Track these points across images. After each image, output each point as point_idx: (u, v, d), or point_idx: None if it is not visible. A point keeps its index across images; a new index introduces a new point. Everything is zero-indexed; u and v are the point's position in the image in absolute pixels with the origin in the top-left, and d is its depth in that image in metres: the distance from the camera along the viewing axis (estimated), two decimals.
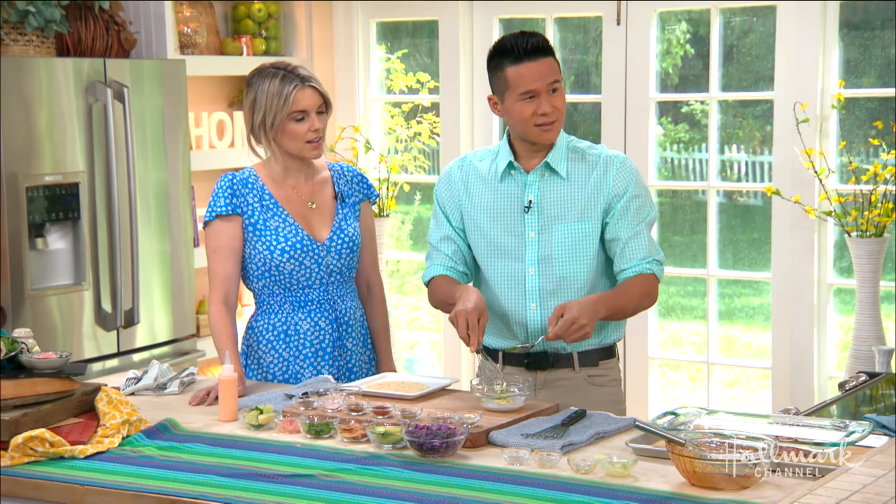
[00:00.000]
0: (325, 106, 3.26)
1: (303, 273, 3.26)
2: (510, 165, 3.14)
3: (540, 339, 3.02)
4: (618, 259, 3.11)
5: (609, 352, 3.20)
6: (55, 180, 4.24)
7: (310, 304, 3.28)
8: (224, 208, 3.23)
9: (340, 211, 3.34)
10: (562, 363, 3.14)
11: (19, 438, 2.59)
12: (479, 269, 3.22)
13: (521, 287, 3.12)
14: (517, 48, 3.02)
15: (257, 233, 3.24)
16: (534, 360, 3.14)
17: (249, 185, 3.27)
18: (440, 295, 3.18)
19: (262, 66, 3.28)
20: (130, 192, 4.44)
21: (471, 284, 3.20)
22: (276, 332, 3.28)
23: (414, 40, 5.71)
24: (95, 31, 4.60)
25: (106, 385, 2.86)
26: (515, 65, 3.02)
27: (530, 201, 3.11)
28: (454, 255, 3.22)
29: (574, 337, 2.91)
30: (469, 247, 3.22)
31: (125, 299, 4.44)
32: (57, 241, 4.32)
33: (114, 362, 4.45)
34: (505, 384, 2.90)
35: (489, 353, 3.16)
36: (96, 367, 4.33)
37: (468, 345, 2.96)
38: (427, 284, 3.27)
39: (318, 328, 3.28)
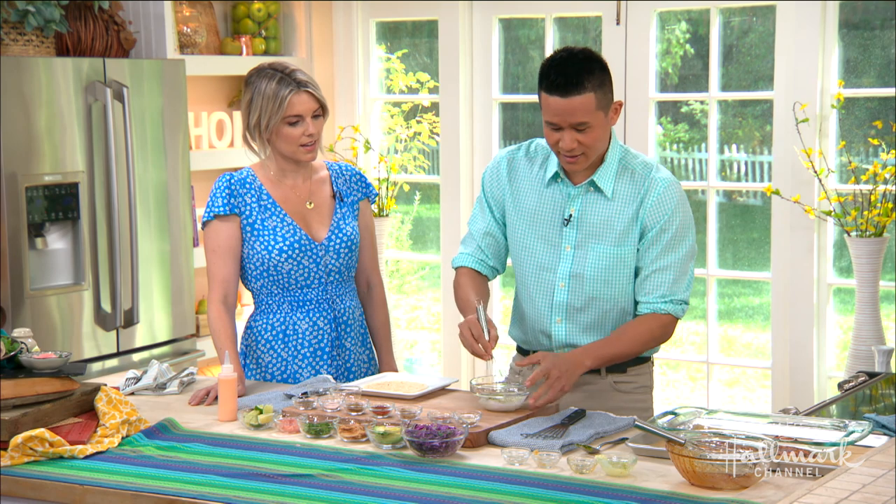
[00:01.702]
0: (321, 110, 3.25)
1: (301, 273, 3.26)
2: (556, 175, 3.04)
3: (525, 394, 2.82)
4: (637, 289, 3.01)
5: (639, 358, 3.10)
6: (55, 180, 4.24)
7: (308, 303, 3.28)
8: (222, 208, 3.23)
9: (339, 210, 3.34)
10: None
11: (19, 438, 2.59)
12: (514, 265, 3.16)
13: (550, 299, 3.06)
14: (549, 78, 2.88)
15: (255, 233, 3.24)
16: None
17: (247, 186, 3.27)
18: (459, 299, 3.13)
19: (260, 66, 3.27)
20: (130, 192, 4.44)
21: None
22: (274, 332, 3.28)
23: (413, 40, 5.71)
24: (95, 30, 4.60)
25: (105, 385, 2.86)
26: (545, 93, 2.89)
27: (571, 215, 3.03)
28: (487, 249, 3.15)
29: (551, 394, 2.79)
30: (506, 241, 3.16)
31: (125, 299, 4.44)
32: (56, 241, 4.32)
33: (113, 362, 4.45)
34: (504, 384, 2.90)
35: (521, 353, 3.16)
36: (96, 366, 4.33)
37: (477, 354, 2.89)
38: (455, 269, 3.20)
39: (316, 328, 3.28)
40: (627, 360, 3.07)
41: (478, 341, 2.88)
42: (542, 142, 3.11)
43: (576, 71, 2.87)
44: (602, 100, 2.90)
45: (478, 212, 3.18)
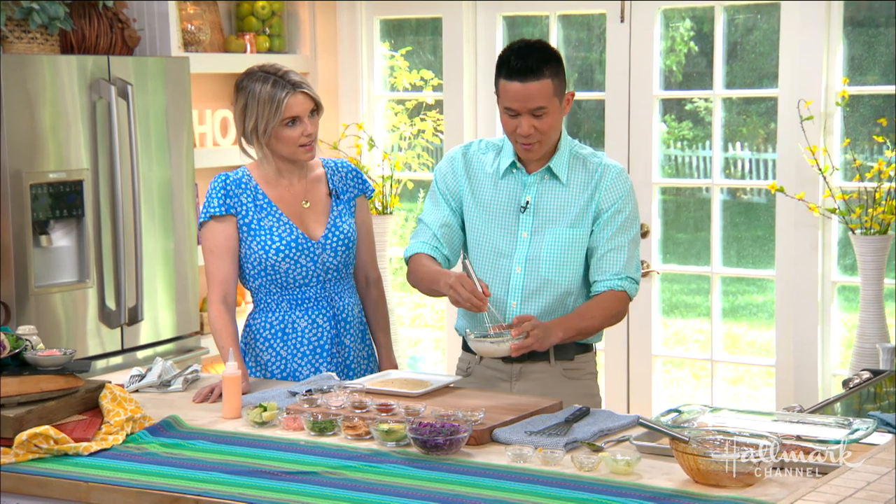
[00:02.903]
0: (316, 109, 3.25)
1: (299, 272, 3.26)
2: (513, 164, 3.15)
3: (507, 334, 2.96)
4: (593, 269, 3.15)
5: (586, 346, 3.24)
6: (59, 178, 4.25)
7: (307, 301, 3.28)
8: (218, 209, 3.24)
9: (335, 208, 3.34)
10: (538, 356, 3.15)
11: (24, 435, 2.59)
12: (470, 256, 3.23)
13: (506, 283, 3.15)
14: (509, 64, 3.02)
15: (252, 233, 3.25)
16: None
17: (243, 186, 3.27)
18: (421, 273, 3.17)
19: (251, 70, 3.27)
20: (134, 190, 4.44)
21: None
22: (273, 331, 3.29)
23: (417, 38, 5.71)
24: (99, 28, 4.60)
25: (110, 382, 2.86)
26: (505, 80, 3.03)
27: (527, 202, 3.13)
28: (443, 238, 3.22)
29: (526, 343, 2.93)
30: (461, 232, 3.24)
31: (129, 296, 4.44)
32: (61, 239, 4.32)
33: (118, 359, 4.45)
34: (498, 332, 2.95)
35: (466, 349, 3.22)
36: (100, 364, 4.33)
37: (473, 308, 2.94)
38: (408, 261, 3.25)
39: (315, 326, 3.28)
40: (574, 349, 3.19)
41: (472, 294, 2.93)
42: (489, 139, 3.27)
43: (535, 58, 3.01)
44: (558, 87, 3.05)
45: (431, 206, 3.26)
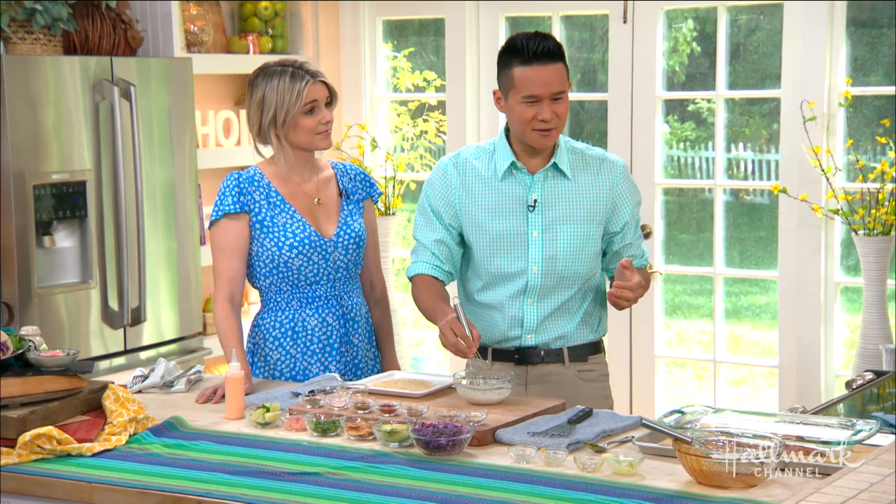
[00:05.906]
0: (331, 98, 3.27)
1: (310, 269, 3.27)
2: (513, 165, 3.14)
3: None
4: (612, 260, 3.20)
5: (596, 347, 3.26)
6: (62, 178, 4.25)
7: (317, 300, 3.29)
8: (232, 206, 3.24)
9: (346, 207, 3.35)
10: (552, 358, 3.17)
11: (27, 436, 2.59)
12: (476, 264, 3.20)
13: (522, 283, 3.14)
14: (527, 50, 3.00)
15: (265, 230, 3.25)
16: (524, 356, 3.17)
17: (256, 183, 3.27)
18: (421, 300, 3.19)
19: (265, 66, 3.28)
20: (137, 191, 4.44)
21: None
22: (283, 330, 3.29)
23: (420, 38, 5.71)
24: (102, 29, 4.60)
25: (113, 383, 2.86)
26: (522, 66, 3.01)
27: (535, 200, 3.12)
28: (441, 255, 3.21)
29: (623, 301, 2.99)
30: (459, 246, 3.21)
31: (132, 297, 4.45)
32: (64, 240, 4.32)
33: (121, 360, 4.46)
34: (487, 378, 2.91)
35: (480, 350, 3.18)
36: (103, 364, 4.33)
37: (459, 354, 2.95)
38: (411, 279, 3.26)
39: (325, 324, 3.29)
40: (587, 349, 3.21)
41: (460, 339, 2.92)
42: (476, 145, 3.24)
43: (549, 43, 3.03)
44: (567, 73, 3.07)
45: (423, 223, 3.23)
